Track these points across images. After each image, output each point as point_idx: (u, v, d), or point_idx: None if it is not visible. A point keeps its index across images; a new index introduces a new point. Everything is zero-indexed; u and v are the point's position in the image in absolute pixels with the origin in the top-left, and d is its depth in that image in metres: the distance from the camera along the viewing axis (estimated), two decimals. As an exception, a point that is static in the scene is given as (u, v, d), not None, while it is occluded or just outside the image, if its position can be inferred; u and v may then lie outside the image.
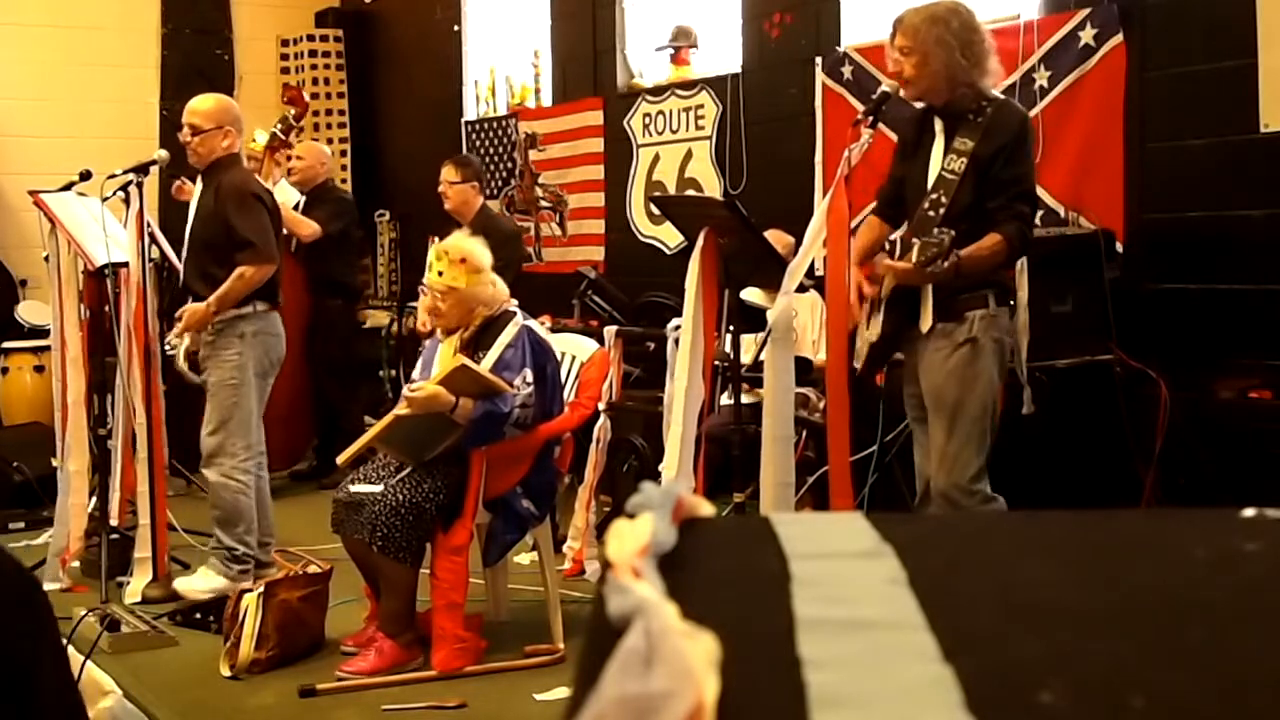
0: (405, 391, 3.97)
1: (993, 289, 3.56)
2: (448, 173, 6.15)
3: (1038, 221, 4.71)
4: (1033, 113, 4.81)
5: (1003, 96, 3.71)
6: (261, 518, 4.79)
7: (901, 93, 3.66)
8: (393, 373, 7.55)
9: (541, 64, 7.75)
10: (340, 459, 4.10)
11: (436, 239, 4.23)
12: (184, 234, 4.85)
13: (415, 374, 4.22)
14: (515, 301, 4.22)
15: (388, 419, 3.94)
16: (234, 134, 4.75)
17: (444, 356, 4.10)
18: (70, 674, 1.57)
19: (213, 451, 4.66)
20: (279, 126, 6.77)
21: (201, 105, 4.77)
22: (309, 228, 6.46)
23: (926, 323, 3.56)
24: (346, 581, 4.23)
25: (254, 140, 6.91)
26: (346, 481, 4.05)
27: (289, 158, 6.88)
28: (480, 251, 4.13)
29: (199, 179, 4.73)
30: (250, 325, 4.66)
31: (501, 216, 6.58)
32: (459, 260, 4.04)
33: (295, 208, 6.61)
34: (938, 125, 3.63)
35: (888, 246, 3.65)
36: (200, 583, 4.63)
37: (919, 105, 3.74)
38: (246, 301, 4.65)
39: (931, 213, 3.52)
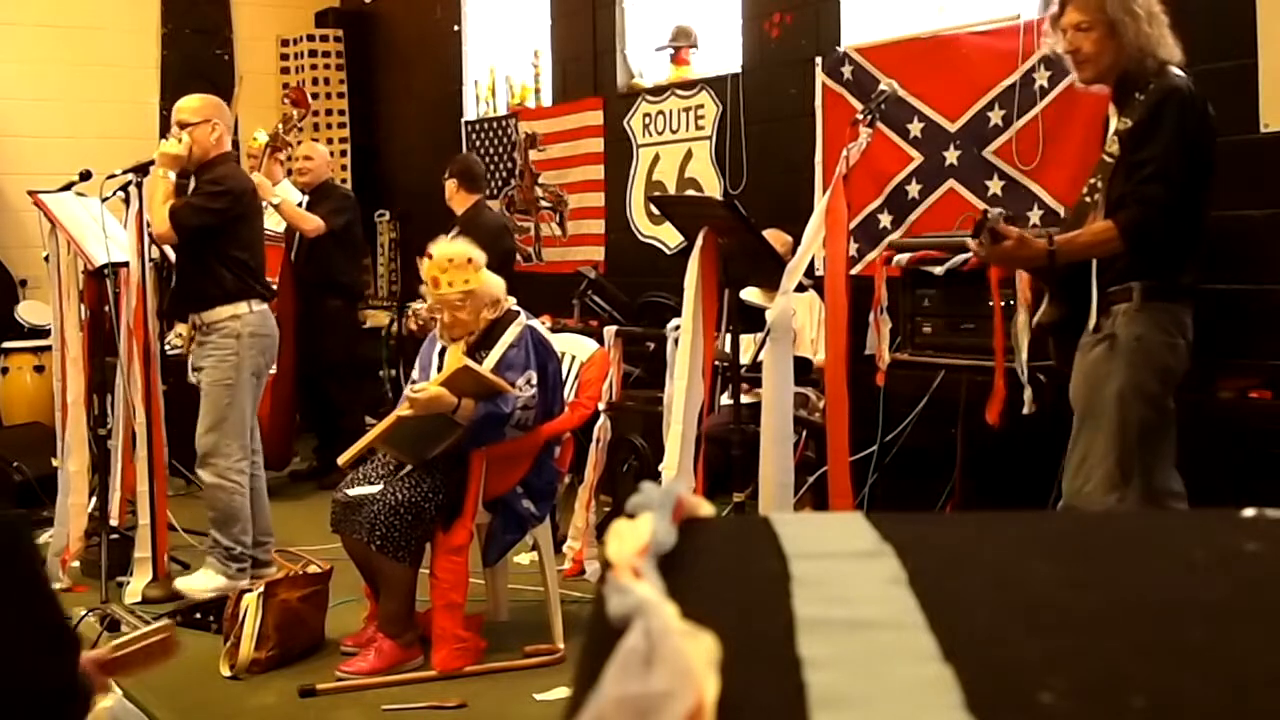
0: (407, 393, 3.97)
1: (1141, 280, 3.17)
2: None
3: (1036, 221, 4.74)
4: (1033, 113, 4.82)
5: (1175, 70, 3.23)
6: (259, 517, 4.79)
7: (1076, 77, 3.33)
8: (393, 372, 7.55)
9: (541, 64, 7.74)
10: (341, 460, 4.10)
11: (426, 260, 4.10)
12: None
13: (415, 375, 4.21)
14: (514, 300, 4.22)
15: (389, 420, 3.93)
16: (222, 128, 4.77)
17: (451, 359, 4.09)
18: (46, 606, 1.57)
19: (207, 452, 4.66)
20: (281, 126, 6.77)
21: (187, 103, 4.81)
22: (312, 223, 6.48)
23: (1092, 318, 3.23)
24: (346, 581, 4.23)
25: (254, 139, 6.91)
26: (345, 484, 4.05)
27: (290, 157, 6.88)
28: (473, 246, 4.14)
29: (192, 177, 4.73)
30: (245, 325, 4.66)
31: (488, 210, 6.62)
32: (465, 262, 4.02)
33: (299, 206, 6.62)
34: (1111, 108, 3.33)
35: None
36: (201, 581, 4.64)
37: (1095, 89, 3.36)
38: (240, 299, 4.66)
39: (1089, 199, 3.24)
